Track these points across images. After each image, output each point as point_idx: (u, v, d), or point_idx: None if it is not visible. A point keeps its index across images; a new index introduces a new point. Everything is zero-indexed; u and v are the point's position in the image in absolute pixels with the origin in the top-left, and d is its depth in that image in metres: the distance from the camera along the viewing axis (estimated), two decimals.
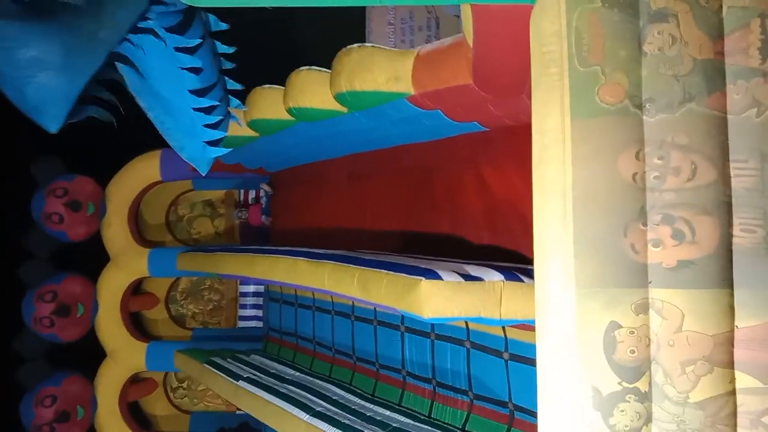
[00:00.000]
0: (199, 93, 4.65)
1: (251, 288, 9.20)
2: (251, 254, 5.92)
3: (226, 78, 5.17)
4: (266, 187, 8.29)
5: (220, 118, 5.21)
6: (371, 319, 5.60)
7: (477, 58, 3.06)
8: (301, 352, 6.96)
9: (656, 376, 1.95)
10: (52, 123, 3.55)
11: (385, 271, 3.80)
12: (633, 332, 1.97)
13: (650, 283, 1.97)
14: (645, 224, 1.99)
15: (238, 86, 5.28)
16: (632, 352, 1.96)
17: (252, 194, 9.08)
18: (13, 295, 8.24)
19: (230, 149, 5.82)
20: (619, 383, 1.97)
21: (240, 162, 7.28)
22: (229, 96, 5.31)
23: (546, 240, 2.04)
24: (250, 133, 5.92)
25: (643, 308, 1.98)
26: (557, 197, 1.98)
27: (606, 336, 1.98)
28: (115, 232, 8.39)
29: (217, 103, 4.99)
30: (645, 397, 1.95)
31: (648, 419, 1.95)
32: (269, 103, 5.32)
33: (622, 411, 1.95)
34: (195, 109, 4.74)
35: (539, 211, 2.05)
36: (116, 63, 4.02)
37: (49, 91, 3.40)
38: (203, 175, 5.74)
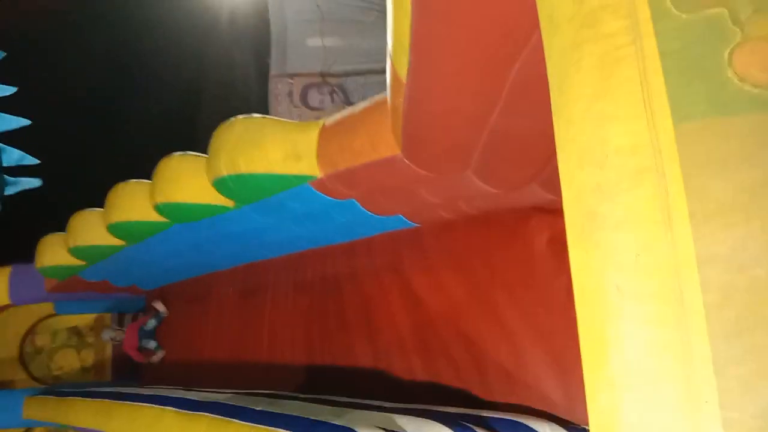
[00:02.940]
0: None
1: None
2: (108, 401, 4.45)
3: None
4: (160, 306, 6.38)
5: None
6: None
7: (410, 111, 2.08)
8: None
9: None
10: None
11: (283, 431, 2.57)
12: None
13: None
14: None
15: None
16: None
17: (128, 320, 7.54)
18: None
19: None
20: None
21: (106, 279, 5.88)
22: None
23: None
24: (114, 240, 4.66)
25: None
26: (654, 310, 0.87)
27: None
28: None
29: None
30: None
31: None
32: (135, 201, 4.13)
33: None
34: None
35: (596, 357, 0.94)
36: None
37: None
38: None
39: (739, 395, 0.82)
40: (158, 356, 6.34)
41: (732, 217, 0.85)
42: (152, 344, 6.37)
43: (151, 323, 6.39)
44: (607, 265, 0.92)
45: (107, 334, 6.93)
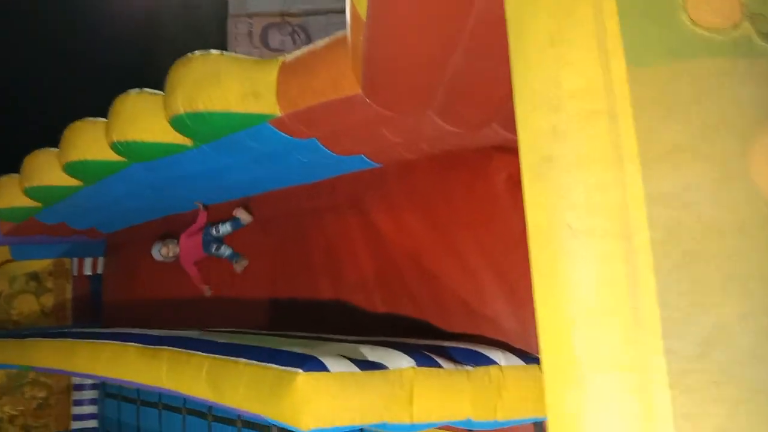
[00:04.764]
0: None
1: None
2: (70, 340, 4.46)
3: None
4: (242, 213, 4.78)
5: None
6: (234, 420, 4.31)
7: (371, 50, 2.08)
8: None
9: None
10: None
11: (245, 361, 2.64)
12: None
13: None
14: None
15: None
16: None
17: (88, 263, 7.45)
18: None
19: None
20: None
21: (64, 221, 5.78)
22: None
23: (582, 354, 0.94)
24: (70, 181, 4.55)
25: None
26: (604, 246, 0.92)
27: None
28: None
29: None
30: None
31: None
32: (91, 140, 4.02)
33: None
34: None
35: (547, 287, 0.99)
36: None
37: None
38: None
39: (680, 325, 0.89)
40: (241, 265, 4.82)
41: (681, 158, 0.90)
42: (226, 251, 4.91)
43: (225, 228, 4.87)
44: (560, 204, 0.96)
45: (157, 250, 5.40)
